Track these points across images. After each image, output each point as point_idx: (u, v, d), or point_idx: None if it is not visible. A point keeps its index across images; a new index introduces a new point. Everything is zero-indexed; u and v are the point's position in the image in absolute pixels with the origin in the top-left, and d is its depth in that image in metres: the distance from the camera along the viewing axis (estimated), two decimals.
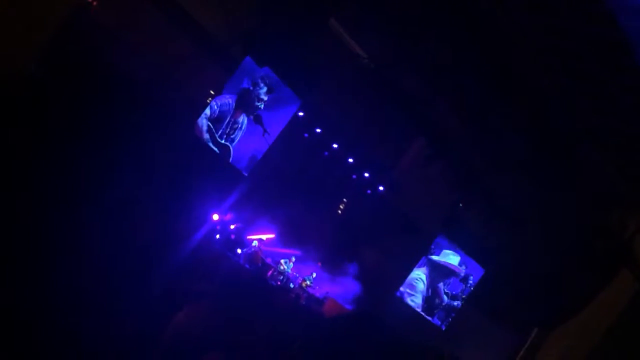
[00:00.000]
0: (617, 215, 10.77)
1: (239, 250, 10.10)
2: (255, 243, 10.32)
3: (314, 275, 10.83)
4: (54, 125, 7.74)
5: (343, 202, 11.76)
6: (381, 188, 11.61)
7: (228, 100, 9.72)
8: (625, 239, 10.68)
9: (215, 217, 9.77)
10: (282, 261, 10.58)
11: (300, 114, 10.51)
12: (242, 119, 9.90)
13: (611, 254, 10.78)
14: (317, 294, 10.68)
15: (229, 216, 10.13)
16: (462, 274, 12.10)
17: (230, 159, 9.92)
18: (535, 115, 9.89)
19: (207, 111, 9.56)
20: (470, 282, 12.15)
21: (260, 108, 9.93)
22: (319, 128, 10.93)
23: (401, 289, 11.86)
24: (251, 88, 9.79)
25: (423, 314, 12.03)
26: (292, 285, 10.41)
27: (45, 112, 7.76)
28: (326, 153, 11.19)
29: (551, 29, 7.83)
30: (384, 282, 11.82)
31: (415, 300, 11.93)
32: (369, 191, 11.68)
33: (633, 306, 10.63)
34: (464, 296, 12.18)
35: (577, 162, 10.45)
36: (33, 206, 7.26)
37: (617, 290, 10.73)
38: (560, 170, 10.67)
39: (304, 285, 10.56)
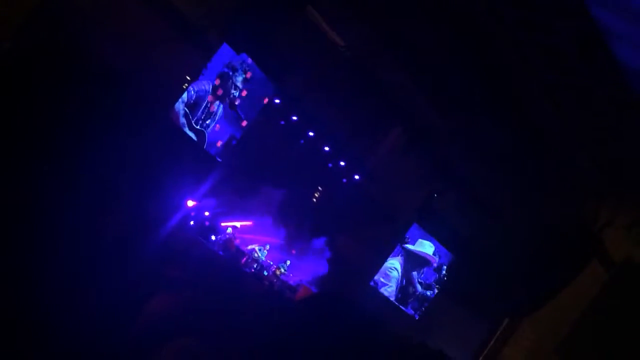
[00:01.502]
0: (588, 207, 10.95)
1: (212, 237, 10.09)
2: (229, 230, 10.32)
3: (288, 263, 10.85)
4: (25, 109, 7.68)
5: (318, 190, 11.79)
6: (357, 177, 11.66)
7: (205, 85, 9.78)
8: (596, 230, 10.86)
9: (190, 203, 9.76)
10: (257, 248, 10.60)
11: (277, 101, 10.55)
12: (218, 104, 10.00)
13: (582, 245, 10.97)
14: (291, 282, 10.74)
15: (203, 202, 10.11)
16: (436, 264, 12.25)
17: (205, 145, 10.00)
18: (514, 106, 9.99)
19: (184, 96, 9.61)
20: (444, 271, 12.30)
21: (236, 95, 9.98)
22: (295, 116, 10.92)
23: (375, 278, 11.96)
24: (230, 73, 9.82)
25: (397, 303, 12.14)
26: (265, 273, 10.45)
27: (16, 94, 7.67)
28: (302, 141, 11.19)
29: (534, 25, 7.91)
30: (358, 271, 11.95)
31: (389, 290, 12.05)
32: (344, 180, 11.71)
33: (603, 298, 10.82)
34: (437, 286, 12.32)
35: (552, 154, 10.60)
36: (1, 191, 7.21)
37: (587, 282, 10.92)
38: (536, 162, 10.82)
39: (277, 272, 10.58)
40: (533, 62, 8.73)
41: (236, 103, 9.94)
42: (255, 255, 10.51)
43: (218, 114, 10.03)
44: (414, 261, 12.23)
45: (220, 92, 9.91)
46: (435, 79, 10.20)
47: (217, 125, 10.05)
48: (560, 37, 7.74)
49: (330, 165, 11.57)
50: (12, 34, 7.63)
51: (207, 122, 9.94)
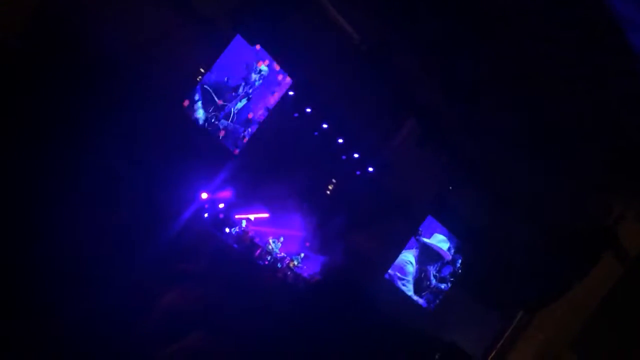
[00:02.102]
0: (602, 200, 10.86)
1: (227, 230, 10.22)
2: (243, 223, 10.45)
3: (302, 255, 10.99)
4: (35, 102, 7.75)
5: (332, 182, 11.81)
6: (371, 169, 11.66)
7: (220, 79, 9.84)
8: (610, 223, 10.78)
9: (204, 195, 9.89)
10: (270, 241, 10.73)
11: (291, 93, 10.61)
12: (234, 98, 10.03)
13: (597, 238, 10.90)
14: (305, 274, 10.86)
15: (217, 195, 10.25)
16: (449, 259, 12.22)
17: (220, 138, 10.08)
18: (528, 98, 9.89)
19: (199, 90, 9.67)
20: (459, 264, 12.27)
21: (251, 89, 10.09)
22: (309, 107, 10.95)
23: (390, 271, 11.97)
24: (246, 67, 9.94)
25: (411, 296, 12.13)
26: (279, 265, 10.57)
27: (26, 88, 7.80)
28: (316, 133, 11.22)
29: (548, 12, 7.81)
30: (372, 263, 11.97)
31: (405, 283, 12.02)
32: (358, 172, 11.72)
33: (618, 291, 10.78)
34: (452, 279, 12.29)
35: (566, 147, 10.49)
36: (13, 182, 7.26)
37: (602, 275, 10.88)
38: (550, 155, 10.72)
39: (291, 265, 10.73)
40: (548, 51, 8.61)
41: (251, 96, 10.02)
42: (269, 247, 10.64)
43: (234, 107, 10.09)
44: (428, 255, 12.23)
45: (236, 85, 10.01)
46: (450, 70, 10.10)
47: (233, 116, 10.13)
48: (573, 25, 7.63)
49: (344, 157, 11.58)
50: (21, 28, 7.68)
51: (223, 114, 10.00)
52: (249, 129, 10.30)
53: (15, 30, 7.61)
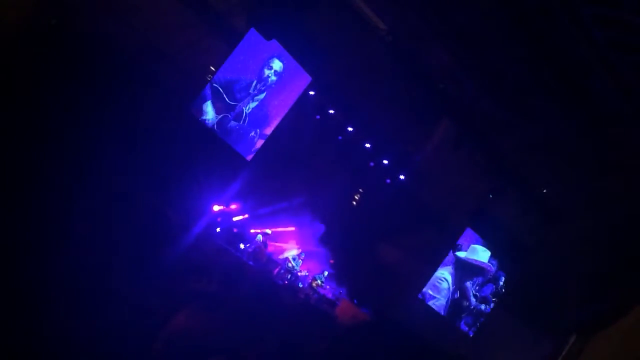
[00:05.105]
0: None
1: (241, 246, 10.18)
2: (259, 237, 10.41)
3: (326, 273, 10.94)
4: (39, 102, 7.85)
5: (359, 192, 11.84)
6: (402, 177, 11.62)
7: (232, 77, 9.79)
8: None
9: (216, 208, 9.94)
10: (290, 258, 10.70)
11: (311, 92, 10.55)
12: (245, 97, 9.97)
13: None
14: (329, 295, 10.78)
15: (231, 207, 10.34)
16: (492, 272, 12.06)
17: (233, 143, 9.99)
18: (577, 94, 9.79)
19: (209, 91, 9.64)
20: (502, 283, 12.12)
21: (264, 86, 10.03)
22: (332, 109, 10.95)
23: (423, 290, 11.85)
24: (260, 63, 9.87)
25: (448, 318, 12.02)
26: (301, 285, 10.52)
27: (31, 86, 7.96)
28: (340, 137, 11.22)
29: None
30: (405, 282, 11.88)
31: (439, 303, 11.91)
32: (388, 180, 11.70)
33: None
34: (494, 299, 12.16)
35: (625, 149, 10.36)
36: (14, 192, 7.37)
37: None
38: (606, 158, 10.59)
39: (314, 285, 10.67)
40: (601, 42, 8.53)
41: (266, 97, 10.00)
42: (289, 265, 10.59)
43: (247, 109, 10.01)
44: (467, 270, 12.03)
45: (250, 85, 9.94)
46: (489, 64, 10.02)
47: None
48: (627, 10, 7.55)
49: (372, 164, 11.55)
50: (23, 22, 7.81)
51: (234, 116, 9.92)
52: (263, 132, 10.16)
53: (20, 24, 7.75)
